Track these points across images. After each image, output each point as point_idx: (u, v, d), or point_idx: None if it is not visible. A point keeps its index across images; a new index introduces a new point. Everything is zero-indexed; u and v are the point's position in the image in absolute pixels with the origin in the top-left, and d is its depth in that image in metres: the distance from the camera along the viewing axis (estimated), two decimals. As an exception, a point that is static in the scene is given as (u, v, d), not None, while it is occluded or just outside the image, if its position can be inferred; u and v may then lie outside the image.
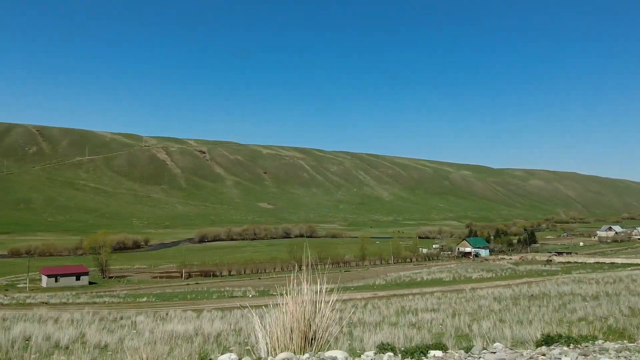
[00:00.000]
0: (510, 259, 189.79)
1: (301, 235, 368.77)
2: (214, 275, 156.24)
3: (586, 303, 40.71)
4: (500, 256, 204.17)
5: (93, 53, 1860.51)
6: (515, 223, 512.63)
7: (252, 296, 72.31)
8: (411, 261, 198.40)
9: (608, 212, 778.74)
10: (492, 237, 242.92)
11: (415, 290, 64.09)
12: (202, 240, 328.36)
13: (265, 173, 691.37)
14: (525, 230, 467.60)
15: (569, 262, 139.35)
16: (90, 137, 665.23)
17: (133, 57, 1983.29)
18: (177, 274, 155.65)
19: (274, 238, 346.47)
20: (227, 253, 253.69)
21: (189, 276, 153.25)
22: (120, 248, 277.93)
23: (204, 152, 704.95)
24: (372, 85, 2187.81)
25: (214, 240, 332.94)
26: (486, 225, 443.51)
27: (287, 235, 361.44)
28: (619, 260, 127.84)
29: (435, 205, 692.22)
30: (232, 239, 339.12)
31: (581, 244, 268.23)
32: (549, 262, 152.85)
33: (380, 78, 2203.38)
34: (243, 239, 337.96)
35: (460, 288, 62.42)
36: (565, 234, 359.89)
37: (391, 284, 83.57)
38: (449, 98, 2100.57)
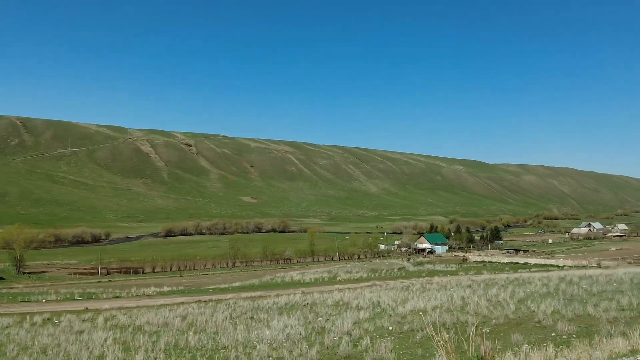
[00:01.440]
0: (464, 255, 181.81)
1: (273, 230, 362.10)
2: (136, 272, 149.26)
3: (294, 319, 33.54)
4: (454, 253, 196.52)
5: (86, 45, 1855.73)
6: (501, 219, 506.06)
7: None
8: (359, 257, 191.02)
9: (602, 208, 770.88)
10: (452, 233, 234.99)
11: (229, 295, 56.62)
12: (168, 234, 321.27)
13: (252, 167, 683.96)
14: (508, 225, 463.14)
15: (483, 262, 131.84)
16: (75, 129, 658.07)
17: (129, 50, 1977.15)
18: (100, 271, 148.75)
19: (245, 233, 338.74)
20: (182, 248, 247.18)
21: (107, 273, 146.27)
22: (78, 242, 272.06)
23: (190, 145, 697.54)
24: (366, 79, 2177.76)
25: (181, 234, 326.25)
26: (469, 220, 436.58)
27: (258, 230, 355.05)
28: (533, 261, 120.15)
29: (424, 201, 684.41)
30: (200, 233, 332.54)
31: (550, 241, 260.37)
32: (464, 260, 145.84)
33: (374, 72, 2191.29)
34: (211, 234, 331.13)
35: (265, 294, 54.96)
36: (541, 231, 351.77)
37: (237, 287, 76.16)
38: (445, 93, 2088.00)
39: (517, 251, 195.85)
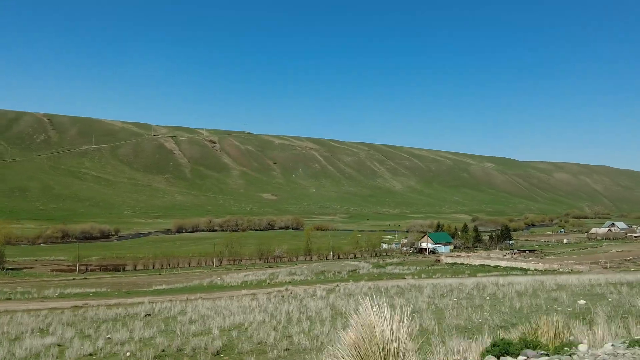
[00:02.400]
0: (438, 257, 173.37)
1: (287, 228, 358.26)
2: (116, 270, 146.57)
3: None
4: (456, 253, 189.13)
5: (115, 41, 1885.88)
6: (526, 217, 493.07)
7: None
8: (355, 256, 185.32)
9: (637, 207, 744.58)
10: (459, 232, 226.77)
11: (113, 301, 52.28)
12: (179, 230, 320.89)
13: (275, 163, 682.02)
14: (532, 224, 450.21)
15: (455, 264, 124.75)
16: (100, 126, 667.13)
17: (160, 49, 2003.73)
18: (79, 268, 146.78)
19: (257, 230, 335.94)
20: (186, 245, 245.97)
21: (86, 270, 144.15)
22: (86, 237, 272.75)
23: (214, 142, 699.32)
24: (395, 75, 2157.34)
25: (192, 231, 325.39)
26: (492, 219, 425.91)
27: (271, 227, 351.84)
28: (504, 264, 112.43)
29: (449, 199, 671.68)
30: (212, 230, 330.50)
31: (565, 241, 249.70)
32: (437, 262, 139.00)
33: (403, 67, 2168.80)
34: (223, 230, 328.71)
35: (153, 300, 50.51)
36: (562, 231, 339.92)
37: (150, 291, 71.94)
38: (479, 90, 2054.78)
39: (522, 252, 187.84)
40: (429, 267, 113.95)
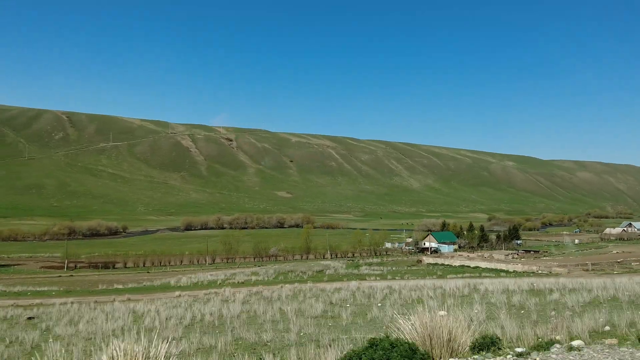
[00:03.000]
0: (419, 258, 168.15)
1: (297, 226, 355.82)
2: (105, 268, 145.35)
3: None
4: (459, 253, 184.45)
5: (137, 37, 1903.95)
6: (544, 217, 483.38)
7: None
8: (353, 255, 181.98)
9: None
10: (464, 232, 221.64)
11: (37, 300, 50.16)
12: (187, 228, 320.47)
13: (291, 161, 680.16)
14: (550, 224, 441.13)
15: (436, 264, 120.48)
16: (118, 123, 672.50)
17: (174, 45, 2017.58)
18: (67, 265, 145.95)
19: (266, 227, 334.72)
20: (189, 242, 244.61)
21: (75, 267, 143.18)
22: (92, 234, 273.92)
23: (230, 140, 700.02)
24: (415, 73, 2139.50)
25: (201, 228, 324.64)
26: (509, 219, 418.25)
27: (280, 226, 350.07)
28: (484, 265, 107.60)
29: (467, 197, 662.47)
30: (221, 228, 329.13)
31: (576, 241, 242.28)
32: (419, 262, 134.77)
33: (424, 65, 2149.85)
34: (232, 228, 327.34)
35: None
36: (577, 231, 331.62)
37: (93, 291, 69.73)
38: (497, 89, 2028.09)
39: (527, 252, 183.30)
40: (408, 268, 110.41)
